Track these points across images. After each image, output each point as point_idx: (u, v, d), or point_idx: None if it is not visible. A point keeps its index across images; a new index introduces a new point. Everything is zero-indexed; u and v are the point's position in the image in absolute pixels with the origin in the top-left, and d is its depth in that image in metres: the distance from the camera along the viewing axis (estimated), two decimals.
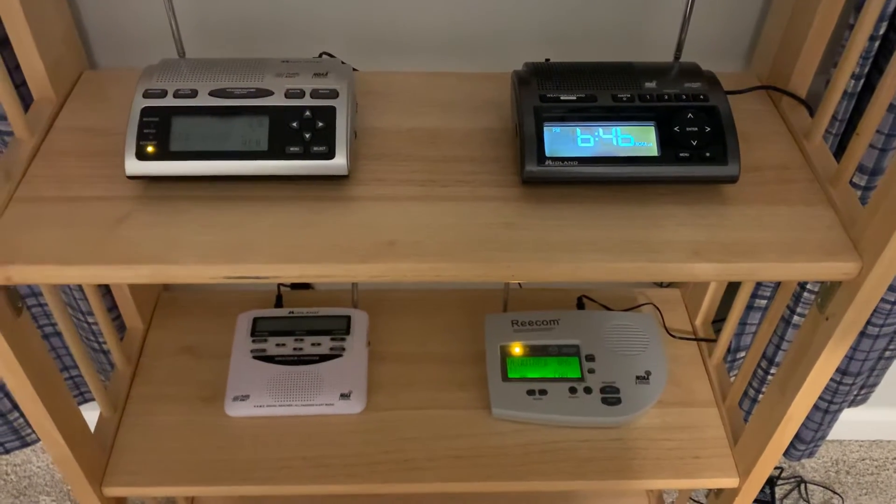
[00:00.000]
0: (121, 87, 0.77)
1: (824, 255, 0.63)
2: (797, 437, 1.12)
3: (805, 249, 0.63)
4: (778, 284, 0.86)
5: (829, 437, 1.43)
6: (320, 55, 0.79)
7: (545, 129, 0.66)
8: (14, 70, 0.74)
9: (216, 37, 0.82)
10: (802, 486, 1.37)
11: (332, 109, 0.66)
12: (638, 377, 0.92)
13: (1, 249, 0.61)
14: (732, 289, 0.96)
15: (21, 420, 1.10)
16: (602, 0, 0.80)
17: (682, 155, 0.65)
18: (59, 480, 1.32)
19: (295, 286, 1.06)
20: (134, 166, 0.64)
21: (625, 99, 0.67)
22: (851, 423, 1.41)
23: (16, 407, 1.08)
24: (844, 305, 0.65)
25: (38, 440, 1.14)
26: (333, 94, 0.67)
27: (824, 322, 0.69)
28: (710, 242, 0.64)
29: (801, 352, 0.73)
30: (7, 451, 1.14)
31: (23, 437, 1.13)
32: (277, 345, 0.94)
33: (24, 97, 0.77)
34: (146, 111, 0.65)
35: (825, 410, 1.06)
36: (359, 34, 0.82)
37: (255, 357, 0.93)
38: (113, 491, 0.85)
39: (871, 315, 0.93)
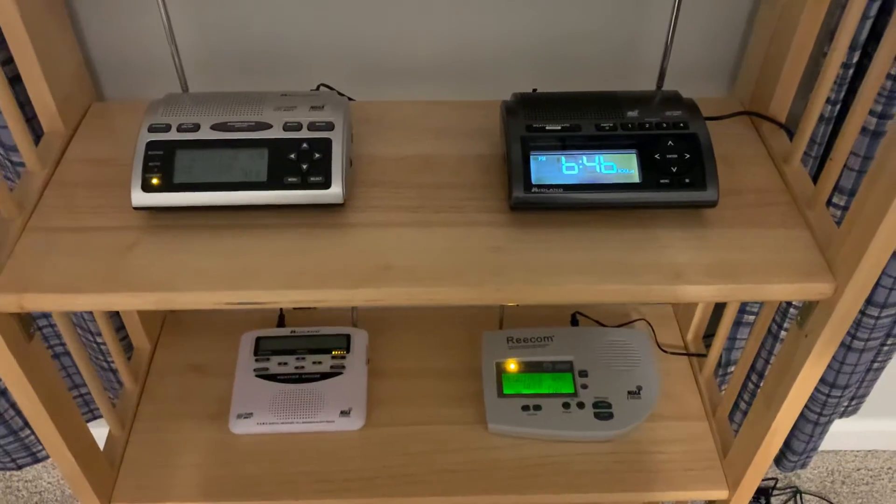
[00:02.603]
0: (128, 118, 0.80)
1: (801, 276, 0.66)
2: (789, 448, 1.14)
3: (782, 271, 0.66)
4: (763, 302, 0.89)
5: (824, 448, 1.46)
6: (318, 87, 0.82)
7: (531, 157, 0.68)
8: (25, 105, 0.78)
9: (219, 69, 0.85)
10: (798, 496, 1.39)
11: (328, 141, 0.69)
12: (629, 392, 0.94)
13: (14, 279, 0.64)
14: (722, 305, 0.98)
15: (32, 437, 1.13)
16: (589, 32, 0.83)
17: (662, 181, 0.68)
18: (69, 496, 1.35)
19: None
20: (140, 198, 0.67)
21: (607, 128, 0.70)
22: (846, 434, 1.43)
23: (27, 425, 1.11)
24: (822, 323, 0.68)
25: (48, 456, 1.17)
26: (329, 126, 0.70)
27: (804, 339, 0.71)
28: (691, 264, 0.67)
29: (784, 367, 0.75)
30: (19, 468, 1.17)
31: (34, 454, 1.16)
32: (279, 363, 0.97)
33: (35, 129, 0.80)
34: (151, 145, 0.68)
35: (815, 422, 1.08)
36: (355, 66, 0.85)
37: (258, 376, 0.96)
38: None
39: (857, 330, 0.96)
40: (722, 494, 0.90)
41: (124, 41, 0.83)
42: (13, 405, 1.08)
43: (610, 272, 0.66)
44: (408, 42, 0.84)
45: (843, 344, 0.98)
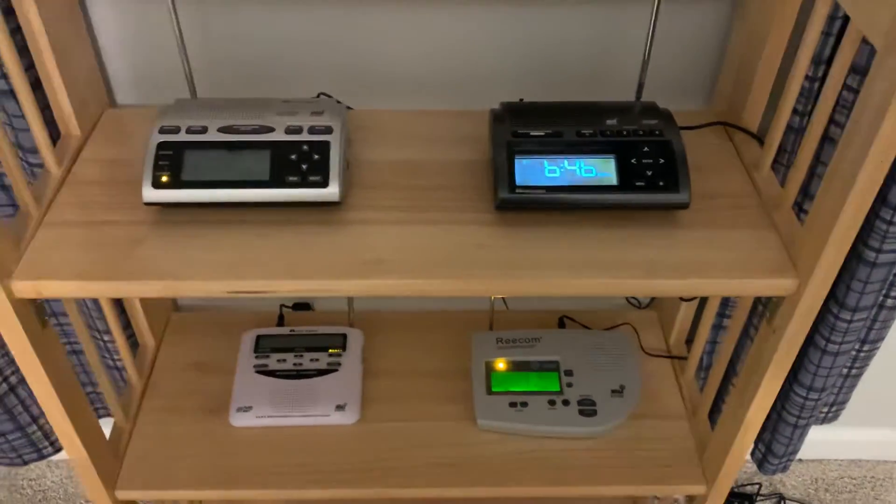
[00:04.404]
0: (138, 123, 0.86)
1: (766, 272, 0.71)
2: (770, 451, 1.18)
3: (749, 268, 0.71)
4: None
5: (808, 457, 1.49)
6: (318, 95, 0.87)
7: (516, 160, 0.73)
8: (43, 109, 0.83)
9: (223, 79, 0.91)
10: (783, 502, 1.42)
11: (327, 144, 0.74)
12: (613, 391, 0.98)
13: (32, 267, 0.69)
14: (702, 309, 1.03)
15: (39, 433, 1.17)
16: (574, 45, 0.89)
17: (638, 184, 0.73)
18: (72, 494, 1.38)
19: (296, 306, 1.14)
20: (150, 194, 0.72)
21: (588, 134, 0.75)
22: (830, 443, 1.47)
23: (34, 420, 1.15)
24: (788, 318, 0.73)
25: (53, 452, 1.20)
26: (328, 130, 0.75)
27: (772, 334, 0.76)
28: (663, 262, 0.71)
29: (755, 362, 0.80)
30: (25, 463, 1.20)
31: (39, 450, 1.20)
32: (279, 360, 1.01)
33: (51, 133, 0.85)
34: (161, 145, 0.73)
35: (794, 425, 1.12)
36: (352, 77, 0.91)
37: (257, 371, 1.00)
38: (125, 494, 0.92)
39: (831, 333, 1.00)
40: (700, 489, 0.94)
41: (136, 52, 0.88)
42: (22, 401, 1.13)
43: (588, 267, 0.71)
44: (401, 55, 0.89)
45: (818, 347, 1.02)
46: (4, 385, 1.10)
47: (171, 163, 0.73)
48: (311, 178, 0.73)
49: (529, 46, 0.89)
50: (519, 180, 0.73)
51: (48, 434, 1.19)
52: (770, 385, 0.79)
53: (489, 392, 0.99)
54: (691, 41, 0.89)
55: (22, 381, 1.12)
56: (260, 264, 0.70)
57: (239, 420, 0.97)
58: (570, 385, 0.99)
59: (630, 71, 0.91)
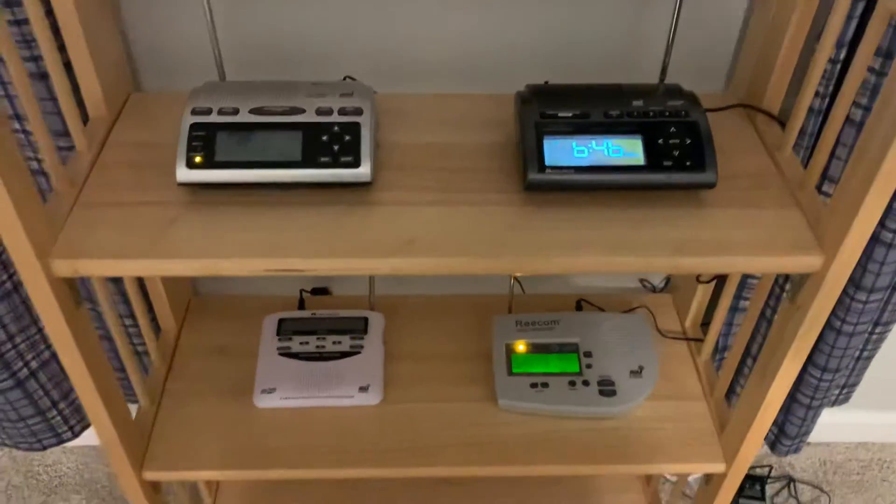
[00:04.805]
0: (165, 107, 0.86)
1: (793, 250, 0.72)
2: (783, 432, 1.19)
3: (776, 246, 0.72)
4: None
5: (817, 440, 1.51)
6: (344, 79, 0.88)
7: (545, 141, 0.74)
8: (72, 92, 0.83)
9: (247, 63, 0.91)
10: (792, 484, 1.44)
11: (357, 125, 0.75)
12: (632, 371, 1.00)
13: (68, 247, 0.70)
14: (718, 292, 1.04)
15: (58, 418, 1.18)
16: (597, 29, 0.90)
17: (665, 164, 0.74)
18: (88, 480, 1.39)
19: (315, 291, 1.15)
20: (184, 174, 0.73)
21: (615, 115, 0.76)
22: (838, 426, 1.49)
23: (54, 405, 1.16)
24: (812, 295, 0.74)
25: (72, 437, 1.21)
26: (358, 111, 0.76)
27: (796, 311, 0.77)
28: (691, 240, 0.72)
29: (777, 340, 0.81)
30: (44, 448, 1.21)
31: (59, 434, 1.21)
32: (301, 343, 1.02)
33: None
34: (194, 126, 0.74)
35: (808, 406, 1.14)
36: (378, 61, 0.91)
37: (280, 354, 1.01)
38: (152, 475, 0.93)
39: (846, 314, 1.02)
40: (719, 468, 0.95)
41: (161, 35, 0.89)
42: (42, 386, 1.13)
43: (616, 246, 0.72)
44: (427, 39, 0.90)
45: (833, 328, 1.04)
46: (25, 370, 1.11)
47: (205, 144, 0.73)
48: (343, 159, 0.74)
49: (551, 31, 0.90)
50: (548, 161, 0.74)
51: (67, 419, 1.20)
52: (791, 363, 0.81)
53: (510, 373, 1.00)
54: (710, 25, 0.90)
55: (42, 365, 1.12)
56: (295, 244, 0.71)
57: (263, 401, 0.98)
58: (589, 366, 1.00)
59: (647, 54, 0.92)
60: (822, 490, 1.44)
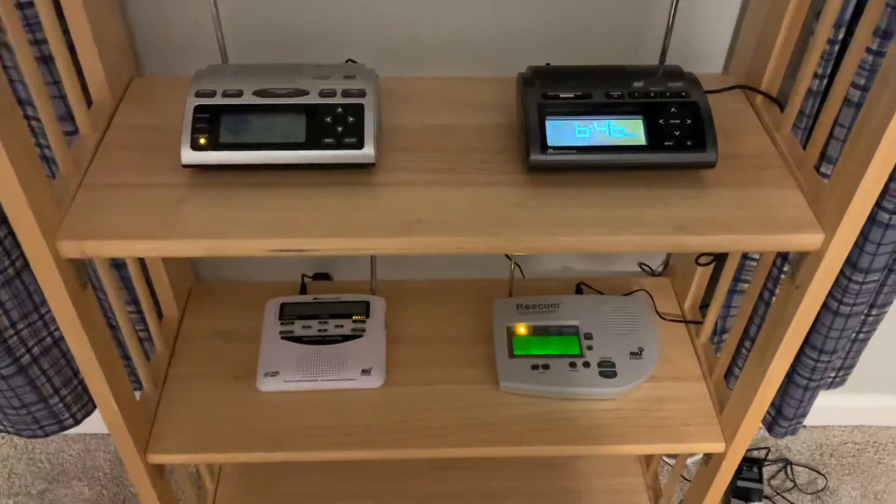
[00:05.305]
0: (167, 90, 0.87)
1: (793, 228, 0.73)
2: (780, 414, 1.21)
3: (776, 224, 0.73)
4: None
5: (814, 423, 1.53)
6: (346, 62, 0.89)
7: (547, 122, 0.75)
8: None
9: (252, 47, 0.92)
10: (789, 467, 1.46)
11: (361, 106, 0.75)
12: (632, 353, 1.01)
13: (75, 228, 0.70)
14: (717, 275, 1.05)
15: (60, 405, 1.18)
16: (597, 13, 0.90)
17: (666, 144, 0.75)
18: (90, 468, 1.40)
19: (316, 276, 1.15)
20: (189, 156, 0.73)
21: (616, 96, 0.76)
22: (834, 410, 1.50)
23: (56, 391, 1.16)
24: (811, 274, 0.75)
25: (74, 424, 1.22)
26: (361, 93, 0.76)
27: (795, 290, 0.78)
28: (692, 219, 0.73)
29: (777, 319, 0.82)
30: (46, 435, 1.22)
31: (61, 421, 1.21)
32: (303, 327, 1.02)
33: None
34: (199, 108, 0.74)
35: (805, 388, 1.15)
36: (380, 44, 0.92)
37: (283, 338, 1.01)
38: (156, 458, 0.94)
39: (843, 295, 1.03)
40: (719, 447, 0.97)
41: (163, 20, 0.89)
42: (44, 372, 1.14)
43: (619, 225, 0.72)
44: (429, 22, 0.90)
45: (830, 309, 1.05)
46: (27, 356, 1.11)
47: (209, 125, 0.74)
48: (347, 140, 0.74)
49: (553, 14, 0.90)
50: (550, 141, 0.75)
51: (69, 405, 1.20)
52: (791, 342, 0.81)
53: (511, 356, 1.01)
54: (710, 8, 0.91)
55: (45, 351, 1.13)
56: (301, 224, 0.71)
57: (266, 385, 0.98)
58: (590, 348, 1.01)
59: (648, 37, 0.93)
60: (818, 472, 1.46)
